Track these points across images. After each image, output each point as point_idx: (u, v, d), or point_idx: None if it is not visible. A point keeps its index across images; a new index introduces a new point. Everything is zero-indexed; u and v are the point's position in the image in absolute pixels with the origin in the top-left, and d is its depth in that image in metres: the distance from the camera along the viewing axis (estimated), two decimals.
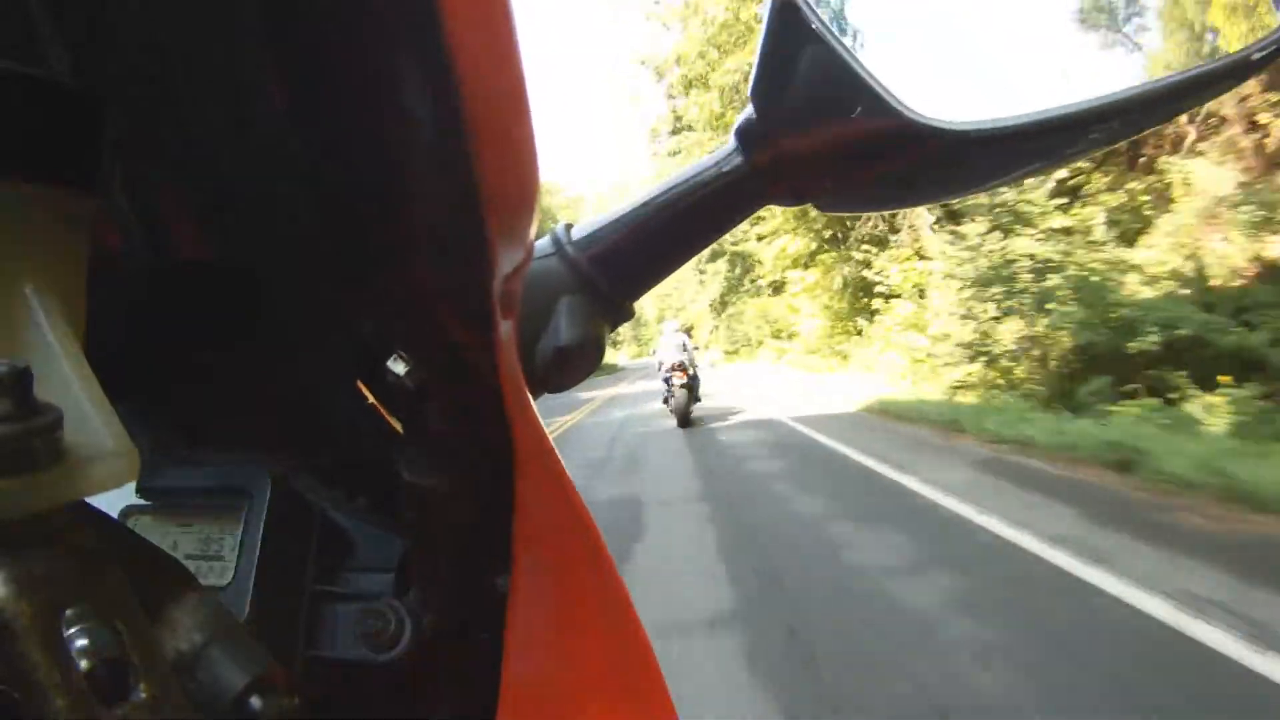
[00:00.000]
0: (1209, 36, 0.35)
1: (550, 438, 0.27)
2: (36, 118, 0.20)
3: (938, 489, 4.93)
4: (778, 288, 21.27)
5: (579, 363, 0.34)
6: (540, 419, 0.26)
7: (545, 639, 0.29)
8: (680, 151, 22.18)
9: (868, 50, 0.32)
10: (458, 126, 0.19)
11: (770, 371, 21.61)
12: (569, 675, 0.30)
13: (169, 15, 0.23)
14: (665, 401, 9.78)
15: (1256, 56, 0.32)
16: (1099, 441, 5.51)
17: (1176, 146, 9.06)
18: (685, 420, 9.37)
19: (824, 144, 0.33)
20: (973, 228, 9.04)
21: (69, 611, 0.16)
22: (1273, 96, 7.71)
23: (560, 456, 0.27)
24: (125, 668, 0.16)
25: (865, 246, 14.27)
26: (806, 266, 16.84)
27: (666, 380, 9.43)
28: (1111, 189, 9.31)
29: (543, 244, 0.35)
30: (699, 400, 9.94)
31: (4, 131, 0.19)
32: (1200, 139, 8.70)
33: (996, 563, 3.43)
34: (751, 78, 0.34)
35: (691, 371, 9.38)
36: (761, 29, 0.33)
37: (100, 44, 0.23)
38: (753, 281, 25.04)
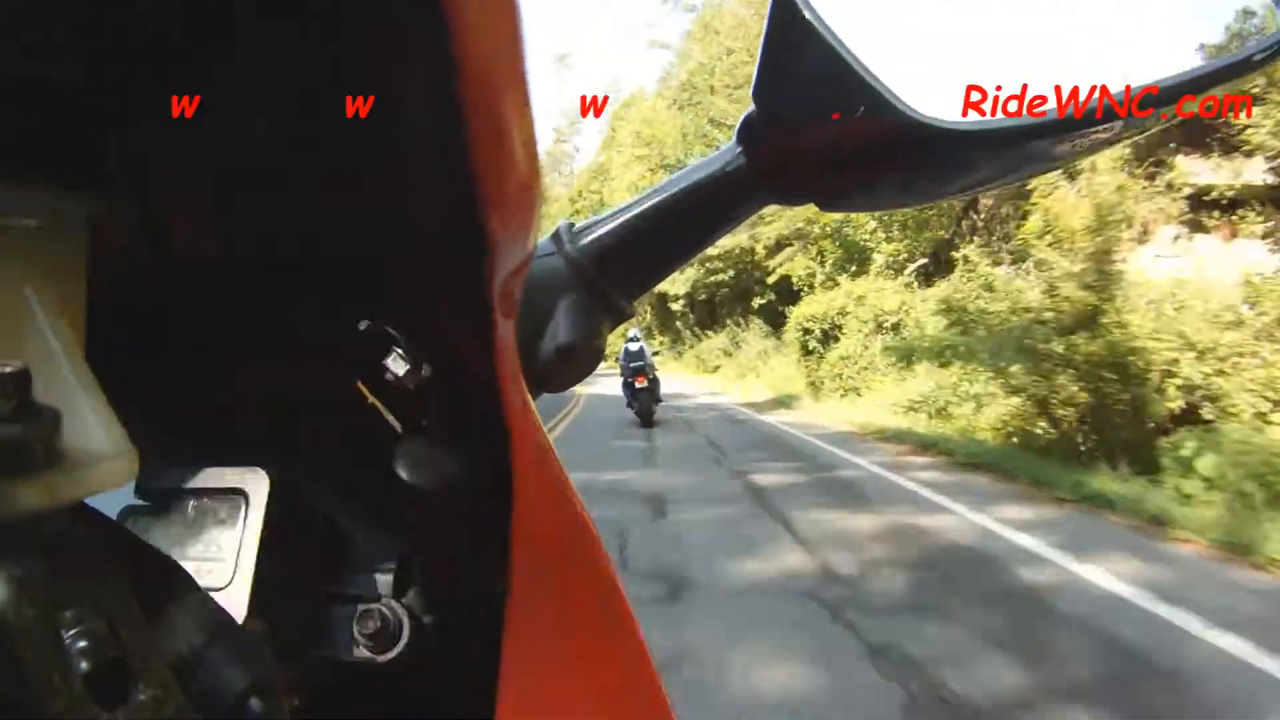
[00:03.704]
0: None
1: (550, 438, 0.27)
2: (37, 117, 0.20)
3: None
4: None
5: (579, 362, 0.34)
6: (540, 419, 0.26)
7: (543, 639, 0.29)
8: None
9: (869, 50, 0.32)
10: (458, 126, 0.19)
11: None
12: (567, 676, 0.30)
13: (169, 14, 0.23)
14: (629, 405, 11.00)
15: (1258, 57, 0.32)
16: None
17: None
18: (649, 420, 10.65)
19: (825, 144, 0.33)
20: None
21: (68, 613, 0.16)
22: None
23: (559, 456, 0.27)
24: (125, 669, 0.16)
25: None
26: None
27: (630, 385, 10.67)
28: None
29: (544, 243, 0.35)
30: (660, 401, 11.14)
31: (4, 131, 0.19)
32: None
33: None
34: (753, 78, 0.34)
35: (652, 375, 10.63)
36: (763, 29, 0.33)
37: (101, 44, 0.23)
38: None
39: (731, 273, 21.96)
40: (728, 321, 23.22)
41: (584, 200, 37.47)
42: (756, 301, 20.81)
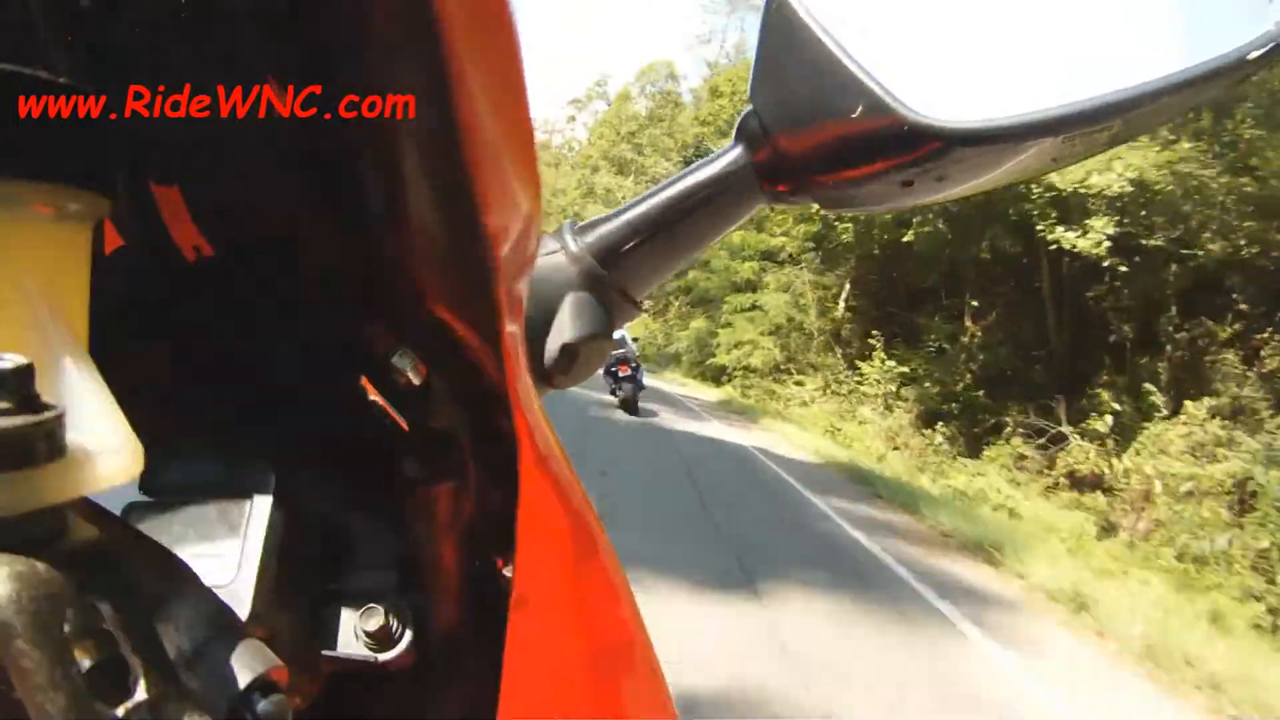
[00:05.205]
0: None
1: (555, 436, 0.26)
2: (38, 115, 0.19)
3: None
4: None
5: (584, 359, 0.34)
6: (545, 416, 0.26)
7: (547, 638, 0.29)
8: None
9: (867, 50, 0.32)
10: (458, 125, 0.19)
11: None
12: (572, 676, 0.30)
13: (171, 15, 0.23)
14: (613, 393, 11.15)
15: (1254, 55, 0.32)
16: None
17: None
18: (633, 409, 10.76)
19: (824, 143, 0.33)
20: None
21: (69, 610, 0.16)
22: None
23: (566, 455, 0.27)
24: (126, 666, 0.16)
25: None
26: None
27: (613, 374, 10.84)
28: None
29: (547, 240, 0.35)
30: (643, 388, 11.22)
31: (6, 130, 0.19)
32: None
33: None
34: (751, 77, 0.34)
35: (634, 364, 10.83)
36: (759, 29, 0.33)
37: (102, 43, 0.23)
38: None
39: None
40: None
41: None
42: None
